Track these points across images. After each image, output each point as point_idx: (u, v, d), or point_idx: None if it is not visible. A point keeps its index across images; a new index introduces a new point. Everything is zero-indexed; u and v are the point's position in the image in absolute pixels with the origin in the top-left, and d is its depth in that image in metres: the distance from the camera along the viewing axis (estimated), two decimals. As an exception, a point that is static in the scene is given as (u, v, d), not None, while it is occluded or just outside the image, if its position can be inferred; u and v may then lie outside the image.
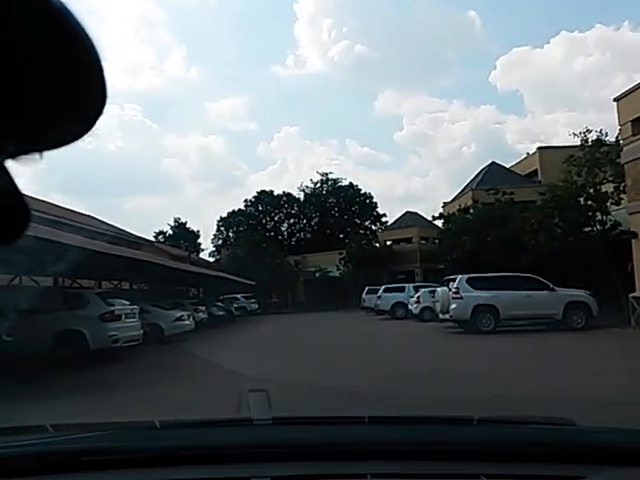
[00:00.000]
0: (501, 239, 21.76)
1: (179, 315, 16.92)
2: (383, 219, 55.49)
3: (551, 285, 16.10)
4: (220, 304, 26.52)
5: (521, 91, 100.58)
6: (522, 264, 19.57)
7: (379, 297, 26.48)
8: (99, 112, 0.38)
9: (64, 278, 15.92)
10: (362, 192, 56.67)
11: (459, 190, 38.08)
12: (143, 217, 72.84)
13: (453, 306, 15.77)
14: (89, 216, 30.22)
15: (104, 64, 0.37)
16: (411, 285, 26.86)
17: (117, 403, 6.54)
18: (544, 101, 77.18)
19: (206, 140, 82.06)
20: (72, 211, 27.96)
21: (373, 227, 54.48)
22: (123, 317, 11.86)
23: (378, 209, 56.51)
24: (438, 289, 17.51)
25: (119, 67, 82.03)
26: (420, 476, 1.19)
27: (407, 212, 44.95)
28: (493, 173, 32.91)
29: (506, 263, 19.67)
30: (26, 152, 0.39)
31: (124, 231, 31.70)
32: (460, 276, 16.20)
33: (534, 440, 1.27)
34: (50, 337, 10.80)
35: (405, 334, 17.35)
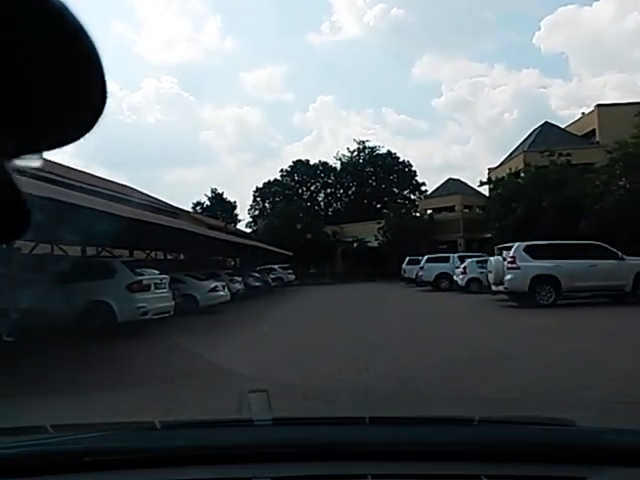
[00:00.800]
0: (557, 204, 19.97)
1: (214, 286, 16.22)
2: (422, 188, 53.65)
3: (619, 253, 14.48)
4: (257, 275, 25.91)
5: (567, 53, 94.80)
6: (582, 231, 17.92)
7: (422, 268, 25.16)
8: (99, 112, 0.38)
9: (97, 247, 15.45)
10: (400, 160, 54.81)
11: (507, 154, 35.83)
12: (182, 189, 73.29)
13: (508, 277, 14.34)
14: (126, 186, 30.03)
15: (104, 64, 0.37)
16: (456, 255, 25.41)
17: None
18: (591, 63, 72.09)
19: (242, 111, 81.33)
20: (109, 181, 27.75)
21: (412, 196, 52.68)
22: (152, 287, 11.13)
23: (417, 178, 54.57)
24: (491, 258, 16.06)
25: (155, 40, 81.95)
26: (421, 476, 1.18)
27: (449, 179, 43.00)
28: (546, 134, 30.46)
29: (563, 230, 18.11)
30: (26, 152, 0.39)
31: (161, 201, 31.46)
32: (517, 244, 14.69)
33: (535, 441, 1.24)
34: (76, 308, 10.19)
35: (454, 308, 15.99)
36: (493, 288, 15.37)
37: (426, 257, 25.62)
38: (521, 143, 33.64)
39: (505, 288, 14.60)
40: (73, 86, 0.37)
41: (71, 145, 0.39)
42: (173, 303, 12.07)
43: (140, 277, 10.95)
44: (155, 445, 1.30)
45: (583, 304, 14.03)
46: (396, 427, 1.46)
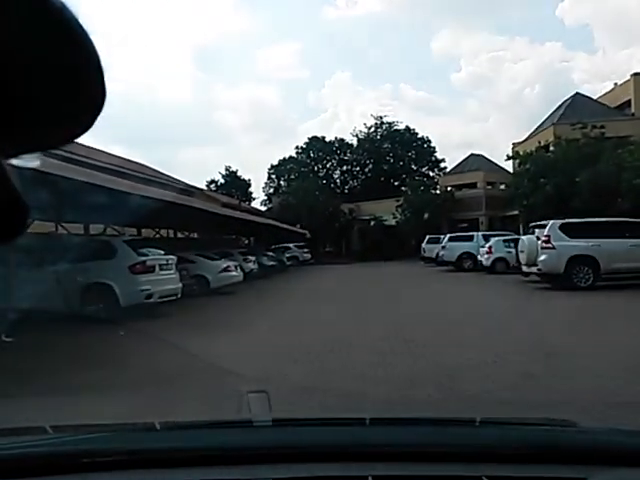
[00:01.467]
0: (593, 179, 18.63)
1: (226, 266, 15.43)
2: (441, 165, 52.01)
3: (664, 232, 13.32)
4: (271, 254, 25.14)
5: (591, 25, 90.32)
6: (620, 208, 16.67)
7: (444, 247, 24.11)
8: (98, 111, 0.39)
9: (106, 225, 14.74)
10: (419, 136, 52.98)
11: (531, 129, 34.15)
12: (197, 167, 72.62)
13: (542, 257, 13.26)
14: (140, 164, 29.32)
15: (103, 64, 0.37)
16: (480, 234, 24.28)
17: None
18: (617, 35, 68.42)
19: (257, 89, 79.75)
20: (122, 158, 27.04)
21: (431, 173, 51.14)
22: (157, 269, 10.32)
23: (436, 154, 52.86)
24: (523, 237, 14.98)
25: (168, 16, 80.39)
26: (421, 477, 1.15)
27: (471, 154, 41.44)
28: (577, 105, 28.71)
29: (598, 207, 16.86)
30: (25, 152, 0.40)
31: (174, 179, 30.72)
32: (552, 222, 13.59)
33: (536, 442, 1.23)
34: (76, 291, 9.46)
35: (487, 291, 14.86)
36: (524, 269, 14.34)
37: (448, 235, 24.59)
38: (550, 115, 31.88)
39: (538, 269, 13.55)
40: (73, 86, 0.36)
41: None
42: (180, 285, 11.27)
43: (143, 257, 10.14)
44: (154, 446, 1.28)
45: (622, 287, 12.93)
46: (397, 428, 1.44)
